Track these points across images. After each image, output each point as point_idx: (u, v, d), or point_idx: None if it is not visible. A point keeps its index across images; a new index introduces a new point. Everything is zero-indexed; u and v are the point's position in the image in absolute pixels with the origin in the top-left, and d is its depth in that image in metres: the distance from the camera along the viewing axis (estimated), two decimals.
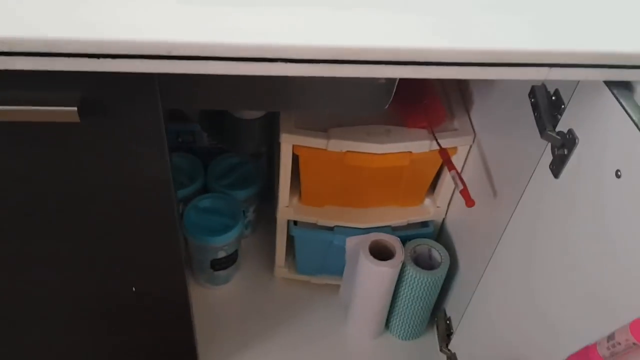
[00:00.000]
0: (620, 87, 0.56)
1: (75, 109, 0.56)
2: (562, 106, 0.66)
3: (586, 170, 0.60)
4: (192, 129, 1.11)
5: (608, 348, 0.54)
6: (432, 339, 1.06)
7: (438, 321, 1.04)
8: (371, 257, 0.94)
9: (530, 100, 0.70)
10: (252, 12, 0.53)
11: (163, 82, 0.58)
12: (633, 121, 0.53)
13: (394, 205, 1.03)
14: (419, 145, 0.88)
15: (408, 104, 0.89)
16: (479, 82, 0.90)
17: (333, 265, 1.07)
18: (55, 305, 0.80)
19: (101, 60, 0.51)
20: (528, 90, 0.71)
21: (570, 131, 0.63)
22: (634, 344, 0.51)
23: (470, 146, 0.91)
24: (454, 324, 1.00)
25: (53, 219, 0.68)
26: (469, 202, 0.80)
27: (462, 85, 0.96)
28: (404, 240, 0.98)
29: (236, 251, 1.08)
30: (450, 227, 1.02)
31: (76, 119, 0.56)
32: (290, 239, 1.06)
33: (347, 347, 1.06)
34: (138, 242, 0.72)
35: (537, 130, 0.67)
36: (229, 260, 1.08)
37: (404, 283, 0.98)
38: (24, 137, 0.60)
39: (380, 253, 0.96)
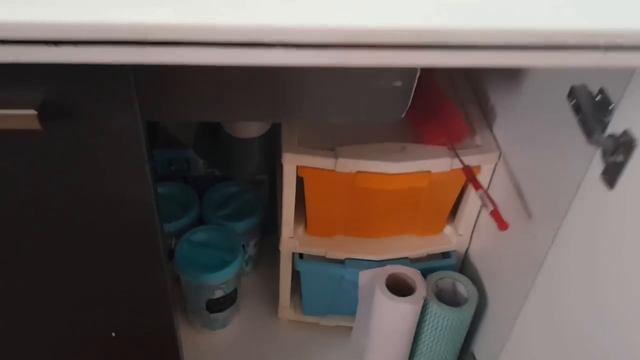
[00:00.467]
0: None
1: (35, 112, 0.46)
2: (610, 106, 0.56)
3: None
4: (185, 155, 1.02)
5: None
6: None
7: None
8: (389, 293, 0.83)
9: (571, 103, 0.60)
10: None
11: (140, 84, 0.49)
12: None
13: (411, 234, 0.92)
14: (439, 163, 0.78)
15: (424, 118, 0.79)
16: (500, 92, 0.81)
17: (344, 304, 0.96)
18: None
19: (61, 48, 0.42)
20: (564, 93, 0.61)
21: (625, 133, 0.53)
22: None
23: (496, 164, 0.80)
24: None
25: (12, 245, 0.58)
26: (502, 225, 0.69)
27: (481, 98, 0.87)
28: (424, 274, 0.87)
29: (235, 290, 0.96)
30: (476, 257, 0.91)
31: (36, 125, 0.47)
32: (295, 275, 0.95)
33: None
34: (114, 275, 0.61)
35: (580, 137, 0.57)
36: (227, 301, 0.96)
37: (427, 322, 0.86)
38: None
39: (399, 288, 0.84)
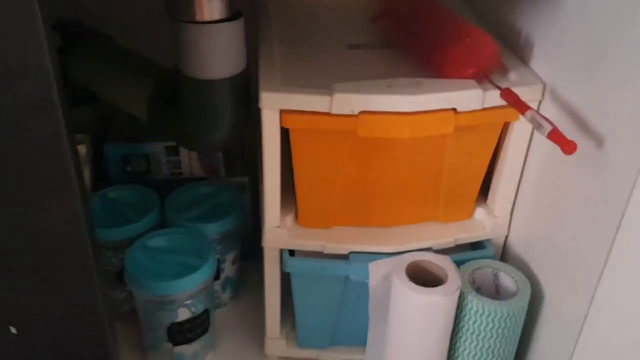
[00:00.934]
0: None
1: None
2: None
3: None
4: (145, 151, 0.82)
5: None
6: None
7: None
8: (411, 283, 0.61)
9: None
10: None
11: None
12: None
13: (433, 219, 0.71)
14: (468, 97, 0.59)
15: (441, 48, 0.62)
16: (535, 18, 0.64)
17: (352, 323, 0.72)
18: None
19: None
20: None
21: None
22: None
23: (540, 101, 0.62)
24: None
25: None
26: (568, 146, 0.49)
27: (507, 31, 0.69)
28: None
29: (206, 312, 0.73)
30: (519, 246, 0.70)
31: None
32: (286, 296, 0.72)
33: None
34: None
35: None
36: (197, 327, 0.73)
37: (465, 323, 0.63)
38: None
39: (424, 281, 0.62)
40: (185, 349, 0.73)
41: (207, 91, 0.60)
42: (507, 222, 0.70)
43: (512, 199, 0.69)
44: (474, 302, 0.61)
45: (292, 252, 0.69)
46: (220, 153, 0.83)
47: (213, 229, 0.76)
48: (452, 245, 0.70)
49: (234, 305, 0.86)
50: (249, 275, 0.88)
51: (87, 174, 0.81)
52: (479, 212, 0.71)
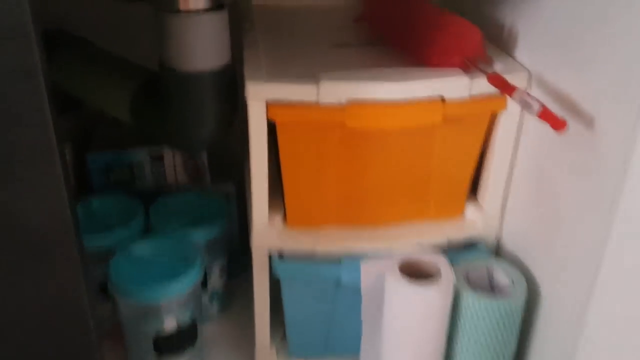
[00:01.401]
0: None
1: None
2: None
3: None
4: (129, 160, 0.81)
5: None
6: None
7: None
8: (404, 279, 0.59)
9: None
10: None
11: None
12: None
13: (424, 217, 0.70)
14: (455, 85, 0.58)
15: (424, 39, 0.62)
16: (518, 7, 0.64)
17: (345, 332, 0.70)
18: None
19: None
20: None
21: None
22: None
23: (526, 89, 0.62)
24: None
25: None
26: (558, 123, 0.49)
27: (488, 22, 0.70)
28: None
29: (194, 324, 0.70)
30: (513, 242, 0.68)
31: None
32: (276, 299, 0.70)
33: None
34: None
35: None
36: (184, 338, 0.70)
37: (461, 320, 0.61)
38: None
39: (417, 280, 0.61)
40: None
41: (192, 84, 0.60)
42: (499, 218, 0.69)
43: (502, 194, 0.68)
44: (469, 299, 0.60)
45: (281, 257, 0.67)
46: (206, 159, 0.82)
47: (199, 236, 0.74)
48: (445, 243, 0.68)
49: (223, 319, 0.83)
50: (237, 291, 0.86)
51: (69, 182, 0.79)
52: (470, 209, 0.70)
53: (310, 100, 0.57)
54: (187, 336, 0.70)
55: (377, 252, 0.65)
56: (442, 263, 0.61)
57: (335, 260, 0.66)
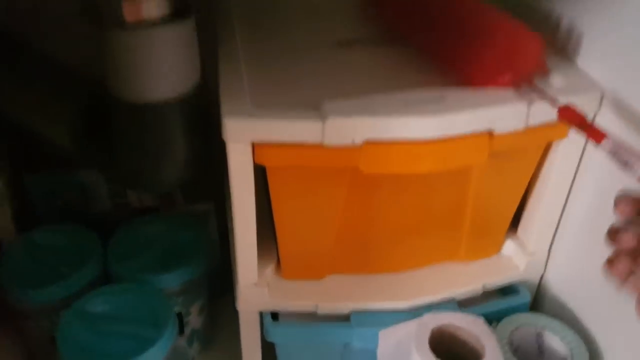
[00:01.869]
0: None
1: None
2: None
3: None
4: (79, 180, 0.65)
5: None
6: None
7: None
8: None
9: None
10: None
11: None
12: None
13: (452, 259, 0.56)
14: (507, 115, 0.43)
15: (468, 48, 0.46)
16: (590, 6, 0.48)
17: None
18: None
19: None
20: None
21: None
22: None
23: (595, 115, 0.47)
24: None
25: None
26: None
27: (552, 22, 0.53)
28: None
29: None
30: (561, 290, 0.55)
31: None
32: (268, 356, 0.57)
33: None
34: None
35: None
36: None
37: None
38: None
39: (452, 354, 0.47)
40: None
41: (149, 119, 0.43)
42: (545, 260, 0.56)
43: (553, 232, 0.54)
44: None
45: (275, 315, 0.53)
46: None
47: (172, 281, 0.60)
48: (479, 293, 0.55)
49: (206, 357, 0.71)
50: (220, 316, 0.72)
51: (6, 213, 0.63)
52: (509, 247, 0.57)
53: (313, 141, 0.42)
54: None
55: (397, 307, 0.52)
56: (485, 334, 0.48)
57: (343, 319, 0.52)
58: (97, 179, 0.65)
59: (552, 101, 0.41)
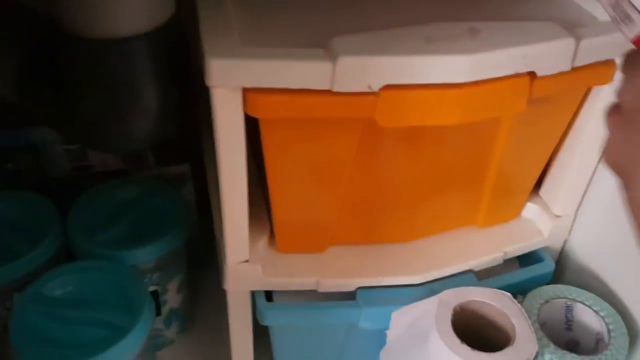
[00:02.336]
0: None
1: None
2: None
3: None
4: (30, 140, 0.55)
5: None
6: None
7: None
8: (466, 348, 0.39)
9: None
10: None
11: None
12: None
13: (468, 225, 0.49)
14: (552, 52, 0.36)
15: None
16: None
17: None
18: None
19: None
20: None
21: None
22: None
23: None
24: None
25: None
26: None
27: None
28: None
29: None
30: (584, 257, 0.49)
31: None
32: (260, 338, 0.49)
33: None
34: None
35: None
36: None
37: None
38: None
39: (478, 336, 0.41)
40: None
41: (111, 59, 0.34)
42: (570, 225, 0.50)
43: (582, 193, 0.48)
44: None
45: (270, 295, 0.46)
46: None
47: (145, 256, 0.52)
48: (500, 262, 0.48)
49: (184, 340, 0.63)
50: (200, 292, 0.65)
51: None
52: (530, 210, 0.50)
53: (320, 86, 0.34)
54: None
55: (410, 282, 0.45)
56: (513, 311, 0.42)
57: (348, 297, 0.45)
58: (52, 138, 0.55)
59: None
